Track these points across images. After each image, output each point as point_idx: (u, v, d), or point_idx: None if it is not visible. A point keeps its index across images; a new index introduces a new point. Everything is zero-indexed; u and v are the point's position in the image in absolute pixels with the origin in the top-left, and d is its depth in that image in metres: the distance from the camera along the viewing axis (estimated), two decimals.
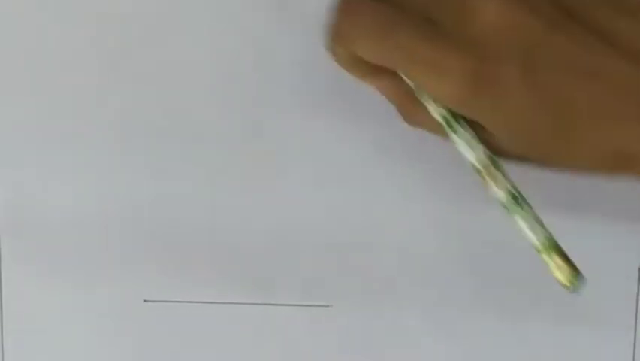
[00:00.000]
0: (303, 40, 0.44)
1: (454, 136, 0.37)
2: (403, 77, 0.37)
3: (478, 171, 0.37)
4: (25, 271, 0.47)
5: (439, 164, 0.45)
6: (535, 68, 0.35)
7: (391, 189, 0.46)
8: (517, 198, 0.37)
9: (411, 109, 0.39)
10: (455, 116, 0.37)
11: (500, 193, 0.37)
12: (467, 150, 0.37)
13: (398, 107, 0.40)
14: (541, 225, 0.37)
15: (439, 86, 0.36)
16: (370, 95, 0.41)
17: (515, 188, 0.37)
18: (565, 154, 0.37)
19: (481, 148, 0.37)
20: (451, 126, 0.37)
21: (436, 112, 0.37)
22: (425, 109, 0.38)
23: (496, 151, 0.37)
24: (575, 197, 0.46)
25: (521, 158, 0.38)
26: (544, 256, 0.37)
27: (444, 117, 0.37)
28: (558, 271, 0.37)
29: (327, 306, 0.47)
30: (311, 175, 0.46)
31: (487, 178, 0.37)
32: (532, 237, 0.37)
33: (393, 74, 0.38)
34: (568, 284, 0.37)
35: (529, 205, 0.37)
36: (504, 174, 0.37)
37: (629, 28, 0.36)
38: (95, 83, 0.46)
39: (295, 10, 0.44)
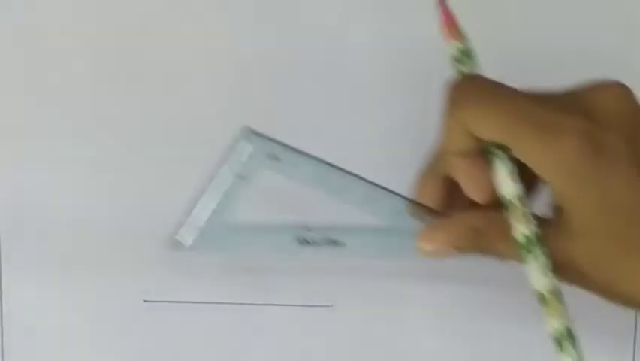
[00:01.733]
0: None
1: (530, 259, 0.36)
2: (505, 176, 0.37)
3: (544, 300, 0.37)
4: (25, 271, 0.47)
5: None
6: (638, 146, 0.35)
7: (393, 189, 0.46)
8: (572, 336, 0.37)
9: (493, 234, 0.38)
10: (538, 239, 0.36)
11: (557, 326, 0.37)
12: (540, 276, 0.36)
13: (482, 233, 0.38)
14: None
15: (549, 147, 0.35)
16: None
17: (572, 324, 0.37)
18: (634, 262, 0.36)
19: (552, 277, 0.36)
20: (529, 248, 0.36)
21: (519, 231, 0.36)
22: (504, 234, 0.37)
23: (566, 260, 0.36)
24: None
25: (588, 272, 0.36)
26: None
27: (526, 237, 0.36)
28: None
29: (327, 306, 0.47)
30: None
31: (549, 309, 0.37)
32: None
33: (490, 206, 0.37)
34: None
35: (579, 346, 0.37)
36: (565, 309, 0.37)
37: None
38: (96, 84, 0.46)
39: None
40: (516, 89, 0.36)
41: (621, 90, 0.36)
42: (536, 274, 0.36)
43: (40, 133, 0.46)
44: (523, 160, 0.36)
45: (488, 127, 0.36)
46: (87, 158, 0.46)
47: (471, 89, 0.37)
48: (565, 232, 0.36)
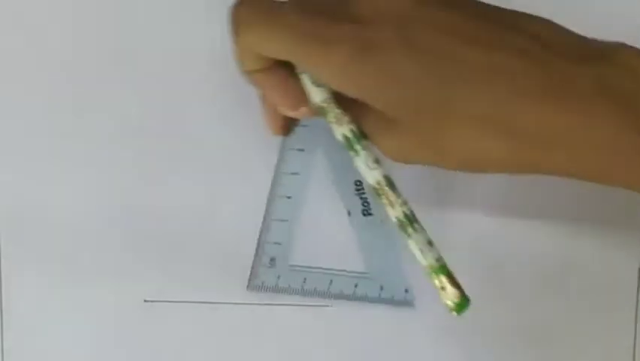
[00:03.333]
0: None
1: (354, 156, 0.38)
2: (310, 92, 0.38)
3: (376, 192, 0.38)
4: (25, 271, 0.47)
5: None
6: (417, 35, 0.36)
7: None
8: (411, 220, 0.37)
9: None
10: (357, 136, 0.38)
11: (395, 214, 0.38)
12: (366, 170, 0.38)
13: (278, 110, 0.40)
14: (433, 247, 0.38)
15: (326, 59, 0.36)
16: None
17: (411, 210, 0.38)
18: (456, 133, 0.36)
19: (379, 170, 0.38)
20: (352, 147, 0.38)
21: (337, 131, 0.38)
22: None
23: (397, 144, 0.37)
24: (575, 198, 0.46)
25: (416, 149, 0.37)
26: (433, 278, 0.38)
27: (345, 137, 0.38)
28: (443, 293, 0.38)
29: (327, 306, 0.47)
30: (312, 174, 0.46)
31: (384, 199, 0.38)
32: (422, 259, 0.37)
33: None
34: (452, 306, 0.37)
35: (422, 227, 0.38)
36: (399, 196, 0.37)
37: (524, 21, 0.36)
38: (96, 84, 0.46)
39: None
40: (294, 6, 0.37)
41: None
42: (363, 169, 0.38)
43: (41, 133, 0.46)
44: (310, 74, 0.38)
45: (269, 48, 0.37)
46: (87, 158, 0.46)
47: (248, 12, 0.38)
48: (381, 128, 0.37)
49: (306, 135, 0.46)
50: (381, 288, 0.47)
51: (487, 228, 0.46)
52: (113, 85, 0.46)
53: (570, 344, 0.47)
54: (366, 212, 0.46)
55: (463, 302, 0.37)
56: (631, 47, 0.36)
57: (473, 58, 0.35)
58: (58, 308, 0.47)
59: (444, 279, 0.37)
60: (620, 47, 0.36)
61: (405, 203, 0.38)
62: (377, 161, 0.38)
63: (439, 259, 0.37)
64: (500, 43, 0.35)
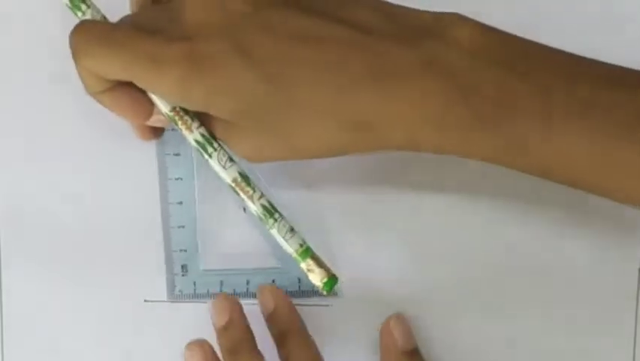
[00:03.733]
0: None
1: (208, 159, 0.40)
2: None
3: (233, 189, 0.40)
4: (25, 271, 0.47)
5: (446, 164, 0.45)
6: (246, 42, 0.36)
7: (395, 189, 0.46)
8: (271, 211, 0.40)
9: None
10: (209, 139, 0.40)
11: (255, 208, 0.40)
12: (221, 170, 0.40)
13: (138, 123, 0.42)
14: (295, 233, 0.40)
15: (160, 79, 0.37)
16: None
17: (269, 202, 0.40)
18: (300, 129, 0.37)
19: (233, 167, 0.40)
20: (205, 150, 0.40)
21: (189, 137, 0.40)
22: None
23: (249, 147, 0.39)
24: (575, 197, 0.45)
25: (268, 149, 0.38)
26: (299, 262, 0.41)
27: (197, 141, 0.40)
28: (312, 274, 0.40)
29: (327, 306, 0.47)
30: (311, 175, 0.46)
31: (242, 195, 0.40)
32: (287, 246, 0.40)
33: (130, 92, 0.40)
34: (321, 285, 0.41)
35: (282, 217, 0.40)
36: (256, 190, 0.40)
37: (350, 9, 0.37)
38: None
39: None
40: (129, 27, 0.38)
41: None
42: (219, 170, 0.40)
43: (41, 133, 0.46)
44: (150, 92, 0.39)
45: (107, 71, 0.38)
46: (88, 158, 0.46)
47: (84, 38, 0.39)
48: (231, 132, 0.39)
49: (178, 139, 0.45)
50: (299, 280, 0.46)
51: (487, 227, 0.46)
52: None
53: (570, 344, 0.47)
54: None
55: (331, 281, 0.41)
56: (461, 17, 0.37)
57: (305, 56, 0.36)
58: (58, 308, 0.47)
59: (310, 261, 0.40)
60: (450, 20, 0.37)
61: (262, 196, 0.40)
62: (231, 159, 0.40)
63: (303, 244, 0.40)
64: (329, 37, 0.36)
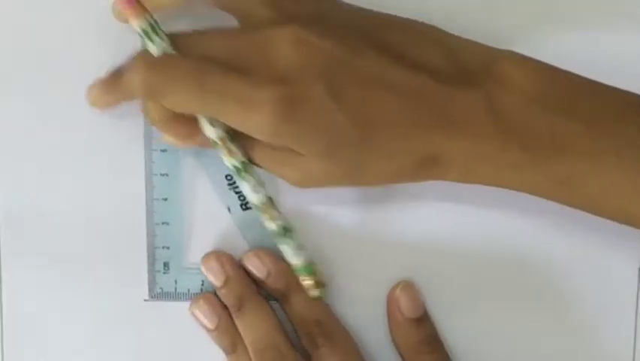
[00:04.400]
0: None
1: (241, 181, 0.43)
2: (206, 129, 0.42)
3: (259, 209, 0.43)
4: (25, 271, 0.47)
5: None
6: (339, 87, 0.39)
7: (395, 189, 0.46)
8: (286, 231, 0.43)
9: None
10: (246, 165, 0.42)
11: (273, 227, 0.43)
12: (251, 193, 0.43)
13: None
14: (302, 250, 0.44)
15: (251, 120, 0.39)
16: None
17: (287, 222, 0.43)
18: (374, 164, 0.40)
19: (263, 192, 0.43)
20: (240, 174, 0.42)
21: (228, 161, 0.42)
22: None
23: (307, 176, 0.41)
24: None
25: (332, 179, 0.42)
26: (301, 275, 0.44)
27: (235, 166, 0.42)
28: (311, 289, 0.44)
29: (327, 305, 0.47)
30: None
31: (266, 215, 0.43)
32: (293, 260, 0.44)
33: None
34: (316, 295, 0.44)
35: (296, 235, 0.44)
36: (279, 212, 0.43)
37: (420, 50, 0.40)
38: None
39: None
40: (215, 67, 0.39)
41: (292, 35, 0.39)
42: (248, 192, 0.43)
43: (41, 133, 0.46)
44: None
45: (191, 110, 0.40)
46: (87, 158, 0.46)
47: (170, 76, 0.40)
48: (288, 162, 0.41)
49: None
50: None
51: (487, 227, 0.46)
52: None
53: (570, 344, 0.47)
54: (245, 206, 0.46)
55: (323, 292, 0.44)
56: (513, 56, 0.40)
57: (387, 100, 0.39)
58: (59, 308, 0.47)
59: (309, 277, 0.44)
60: (505, 59, 0.40)
61: (282, 218, 0.43)
62: (262, 184, 0.43)
63: (307, 260, 0.44)
64: (407, 83, 0.39)
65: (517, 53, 0.41)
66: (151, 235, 0.46)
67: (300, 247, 0.44)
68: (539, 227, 0.46)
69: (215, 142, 0.42)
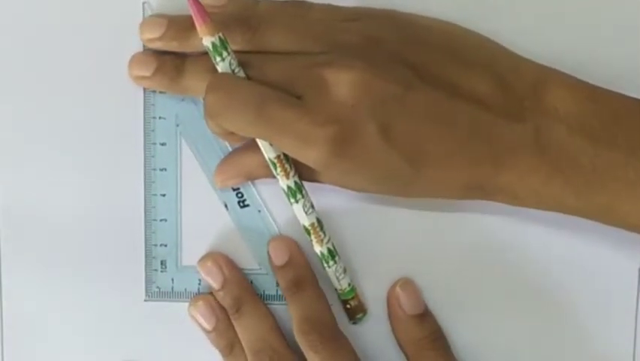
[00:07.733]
0: None
1: (294, 203, 0.43)
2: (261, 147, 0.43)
3: (308, 231, 0.44)
4: (25, 271, 0.47)
5: None
6: (391, 124, 0.40)
7: None
8: (332, 255, 0.45)
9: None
10: (300, 186, 0.43)
11: (320, 249, 0.44)
12: (302, 215, 0.44)
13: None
14: (346, 274, 0.45)
15: (304, 154, 0.40)
16: None
17: (333, 246, 0.45)
18: (420, 191, 0.42)
19: (314, 214, 0.44)
20: (293, 195, 0.43)
21: (283, 182, 0.43)
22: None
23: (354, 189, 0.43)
24: None
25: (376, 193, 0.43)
26: (345, 298, 0.46)
27: (289, 187, 0.43)
28: (352, 311, 0.46)
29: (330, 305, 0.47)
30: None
31: (314, 237, 0.44)
32: (337, 284, 0.45)
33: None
34: (359, 318, 0.46)
35: (340, 259, 0.45)
36: (326, 235, 0.44)
37: (470, 79, 0.41)
38: (94, 84, 0.46)
39: None
40: (274, 98, 0.40)
41: (348, 77, 0.40)
42: (300, 213, 0.44)
43: (41, 133, 0.46)
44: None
45: (249, 133, 0.41)
46: (87, 158, 0.46)
47: (230, 101, 0.41)
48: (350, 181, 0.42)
49: (167, 128, 0.45)
50: (277, 284, 0.46)
51: (487, 227, 0.46)
52: (114, 84, 0.45)
53: (570, 344, 0.47)
54: (243, 203, 0.46)
55: (363, 317, 0.46)
56: (558, 78, 0.42)
57: (439, 134, 0.40)
58: (59, 308, 0.47)
59: (353, 300, 0.46)
60: (550, 83, 0.41)
61: (329, 241, 0.44)
62: (312, 206, 0.44)
63: (350, 284, 0.45)
64: (457, 116, 0.41)
65: (563, 74, 0.42)
66: (149, 232, 0.46)
67: (344, 271, 0.45)
68: (539, 227, 0.46)
69: (272, 162, 0.42)
